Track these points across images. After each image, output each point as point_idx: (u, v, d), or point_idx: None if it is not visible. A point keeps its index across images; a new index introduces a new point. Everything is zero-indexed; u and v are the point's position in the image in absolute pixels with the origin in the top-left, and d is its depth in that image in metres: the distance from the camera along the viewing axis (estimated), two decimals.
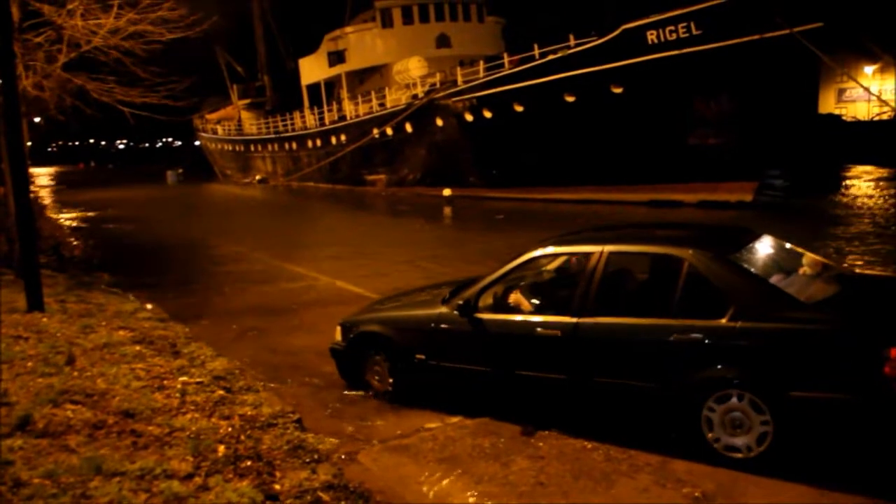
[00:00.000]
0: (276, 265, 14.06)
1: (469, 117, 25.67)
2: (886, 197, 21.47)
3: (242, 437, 4.75)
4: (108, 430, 4.57)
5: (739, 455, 4.57)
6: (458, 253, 14.65)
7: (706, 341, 4.65)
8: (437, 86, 28.41)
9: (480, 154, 25.95)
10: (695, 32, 18.97)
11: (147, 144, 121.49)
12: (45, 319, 7.46)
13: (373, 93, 32.17)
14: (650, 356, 4.89)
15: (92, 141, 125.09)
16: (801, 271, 5.19)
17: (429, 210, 24.05)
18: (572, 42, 21.96)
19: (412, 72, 30.99)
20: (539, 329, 5.39)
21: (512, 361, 5.57)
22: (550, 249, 5.84)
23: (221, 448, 4.51)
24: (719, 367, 4.60)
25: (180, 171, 51.39)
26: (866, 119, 37.97)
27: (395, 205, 27.28)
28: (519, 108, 23.46)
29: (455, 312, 5.80)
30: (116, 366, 5.98)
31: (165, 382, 5.77)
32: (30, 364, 5.72)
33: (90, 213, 27.16)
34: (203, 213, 28.77)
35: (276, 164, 42.30)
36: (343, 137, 33.88)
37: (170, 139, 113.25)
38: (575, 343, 5.18)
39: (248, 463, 4.37)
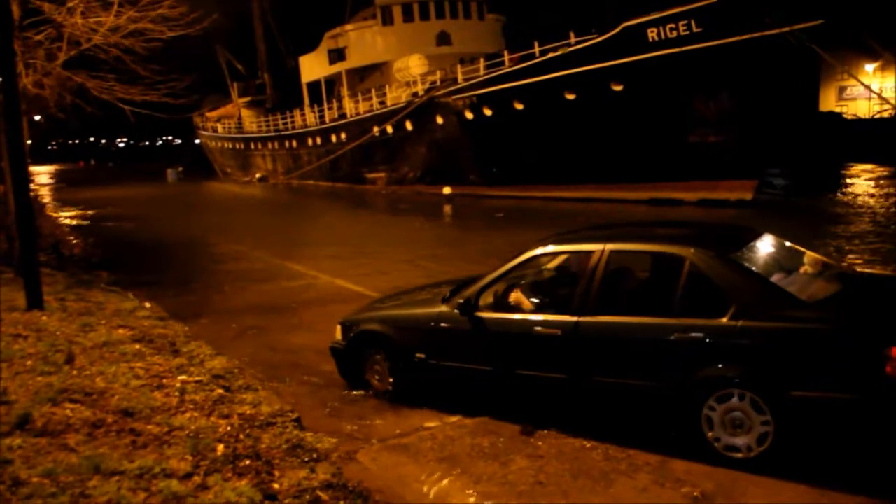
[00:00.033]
0: (276, 263, 14.05)
1: (469, 115, 25.63)
2: (887, 195, 21.41)
3: (241, 436, 4.75)
4: (108, 429, 4.57)
5: (739, 455, 4.56)
6: (458, 251, 14.63)
7: (707, 340, 4.65)
8: (438, 84, 28.37)
9: (481, 152, 25.91)
10: (695, 30, 18.94)
11: (147, 142, 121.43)
12: (44, 318, 7.46)
13: (373, 90, 32.11)
14: (651, 355, 4.89)
15: (92, 139, 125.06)
16: (801, 270, 5.18)
17: (429, 208, 24.02)
18: (573, 40, 21.94)
19: (412, 69, 30.91)
20: (539, 328, 5.38)
21: (512, 360, 5.57)
22: (551, 248, 5.83)
23: (220, 447, 4.50)
24: (720, 366, 4.59)
25: (180, 169, 51.43)
26: (867, 117, 37.93)
27: (395, 203, 27.25)
28: (519, 106, 23.42)
29: (455, 311, 5.79)
30: (116, 364, 5.97)
31: (164, 381, 5.76)
32: (29, 362, 5.71)
33: (90, 212, 27.13)
34: (203, 212, 28.71)
35: (277, 162, 42.26)
36: (343, 135, 33.85)
37: (170, 137, 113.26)
38: (575, 342, 5.17)
39: (247, 462, 4.36)
